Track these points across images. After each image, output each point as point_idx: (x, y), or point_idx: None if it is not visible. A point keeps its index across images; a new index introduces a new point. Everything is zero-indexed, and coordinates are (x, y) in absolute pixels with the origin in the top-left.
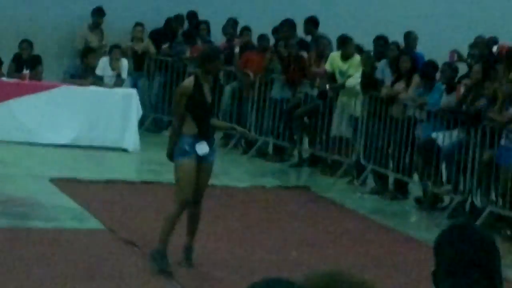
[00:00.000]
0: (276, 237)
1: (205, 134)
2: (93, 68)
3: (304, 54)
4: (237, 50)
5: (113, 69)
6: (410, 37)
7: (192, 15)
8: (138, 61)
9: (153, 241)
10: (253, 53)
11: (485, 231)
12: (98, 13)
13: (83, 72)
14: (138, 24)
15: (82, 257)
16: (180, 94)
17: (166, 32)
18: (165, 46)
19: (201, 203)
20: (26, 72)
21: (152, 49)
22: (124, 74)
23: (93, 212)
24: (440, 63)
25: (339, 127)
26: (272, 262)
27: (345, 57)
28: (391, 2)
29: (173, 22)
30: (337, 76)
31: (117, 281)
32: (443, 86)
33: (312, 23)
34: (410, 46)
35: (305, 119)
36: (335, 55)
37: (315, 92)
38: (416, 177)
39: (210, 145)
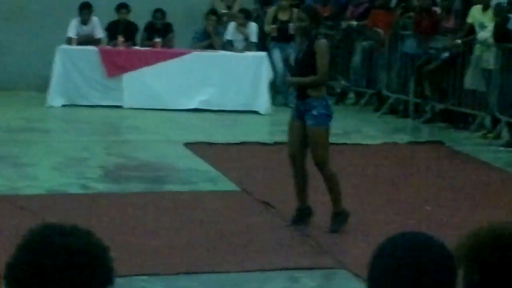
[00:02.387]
0: (410, 192)
1: None
2: (215, 33)
3: (436, 9)
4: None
5: (240, 33)
6: None
7: None
8: (283, 30)
9: (288, 201)
10: (381, 11)
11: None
12: None
13: (205, 36)
14: None
15: (218, 219)
16: None
17: None
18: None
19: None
20: (158, 40)
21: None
22: (253, 38)
23: (228, 174)
24: None
25: (473, 80)
26: (406, 217)
27: (485, 8)
28: None
29: None
30: (477, 29)
31: (254, 241)
32: None
33: None
34: None
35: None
36: (478, 7)
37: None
38: None
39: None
